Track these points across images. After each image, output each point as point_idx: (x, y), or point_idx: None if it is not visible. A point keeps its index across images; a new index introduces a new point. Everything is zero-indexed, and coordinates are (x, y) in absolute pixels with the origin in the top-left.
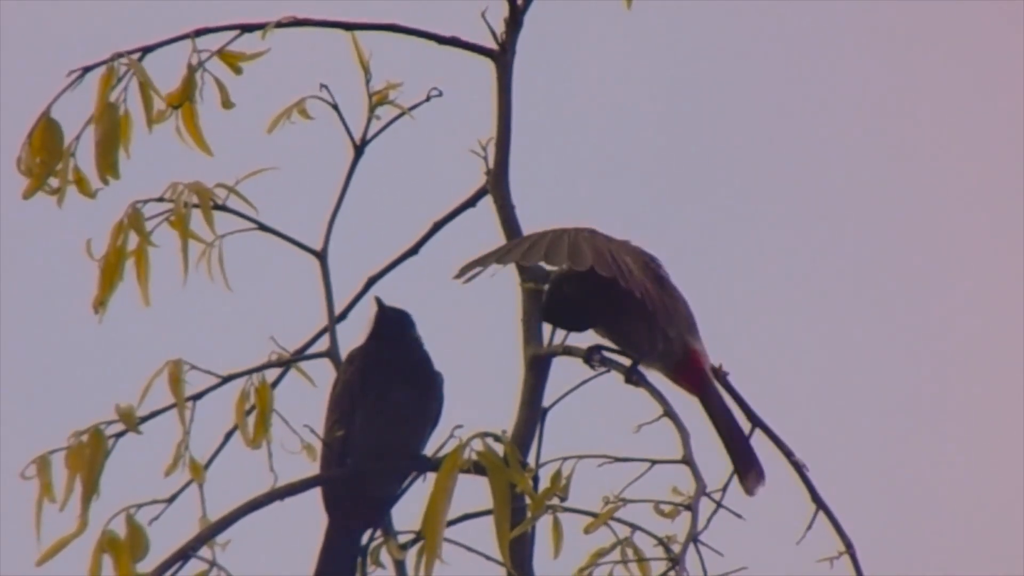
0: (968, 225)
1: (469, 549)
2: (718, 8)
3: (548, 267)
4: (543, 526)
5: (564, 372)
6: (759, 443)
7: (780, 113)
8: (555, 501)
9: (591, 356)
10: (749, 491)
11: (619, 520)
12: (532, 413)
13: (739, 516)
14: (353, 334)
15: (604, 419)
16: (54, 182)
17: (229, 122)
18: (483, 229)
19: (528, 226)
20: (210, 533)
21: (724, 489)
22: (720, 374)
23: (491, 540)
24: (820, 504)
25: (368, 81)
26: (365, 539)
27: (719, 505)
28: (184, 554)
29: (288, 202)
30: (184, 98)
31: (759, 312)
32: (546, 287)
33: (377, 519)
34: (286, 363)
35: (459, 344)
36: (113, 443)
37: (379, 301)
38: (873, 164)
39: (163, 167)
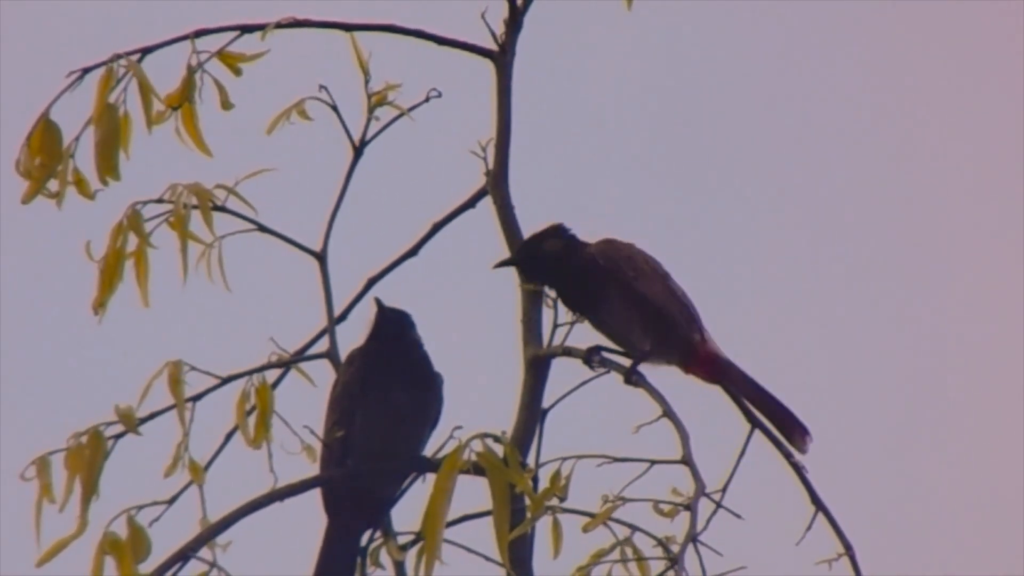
0: (968, 224)
1: (468, 550)
2: (718, 8)
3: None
4: (543, 526)
5: (564, 373)
6: (759, 444)
7: (779, 113)
8: (555, 502)
9: (591, 357)
10: (802, 450)
11: (618, 521)
12: (532, 414)
13: (738, 516)
14: (353, 335)
15: (603, 420)
16: (53, 186)
17: (229, 123)
18: (483, 230)
19: (528, 227)
20: (210, 534)
21: (723, 490)
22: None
23: (490, 541)
24: (819, 505)
25: (367, 82)
26: (365, 540)
27: (719, 505)
28: (184, 555)
29: (288, 203)
30: (183, 99)
31: (758, 312)
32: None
33: (377, 520)
34: (286, 364)
35: (459, 345)
36: (113, 444)
37: (379, 302)
38: (873, 164)
39: (163, 168)
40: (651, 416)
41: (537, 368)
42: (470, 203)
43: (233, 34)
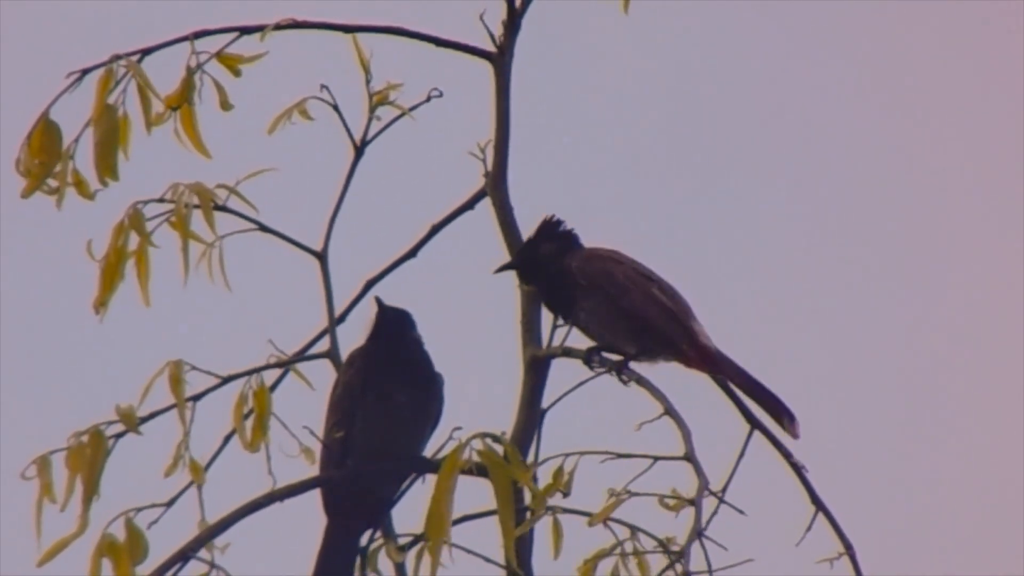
0: (968, 224)
1: (468, 551)
2: (718, 8)
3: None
4: (543, 526)
5: (563, 373)
6: (758, 444)
7: (779, 113)
8: (558, 498)
9: (591, 357)
10: (795, 435)
11: (619, 521)
12: (531, 414)
13: (741, 512)
14: (353, 335)
15: (604, 420)
16: (53, 182)
17: (230, 123)
18: (482, 231)
19: (527, 228)
20: (209, 535)
21: (724, 489)
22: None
23: (489, 541)
24: (819, 505)
25: (368, 82)
26: (364, 540)
27: (721, 500)
28: (184, 555)
29: (288, 203)
30: (183, 100)
31: (757, 312)
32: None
33: (377, 520)
34: (286, 364)
35: (459, 345)
36: (113, 444)
37: (379, 301)
38: (873, 164)
39: (162, 168)
40: (651, 416)
41: (537, 368)
42: (469, 204)
43: (233, 35)
